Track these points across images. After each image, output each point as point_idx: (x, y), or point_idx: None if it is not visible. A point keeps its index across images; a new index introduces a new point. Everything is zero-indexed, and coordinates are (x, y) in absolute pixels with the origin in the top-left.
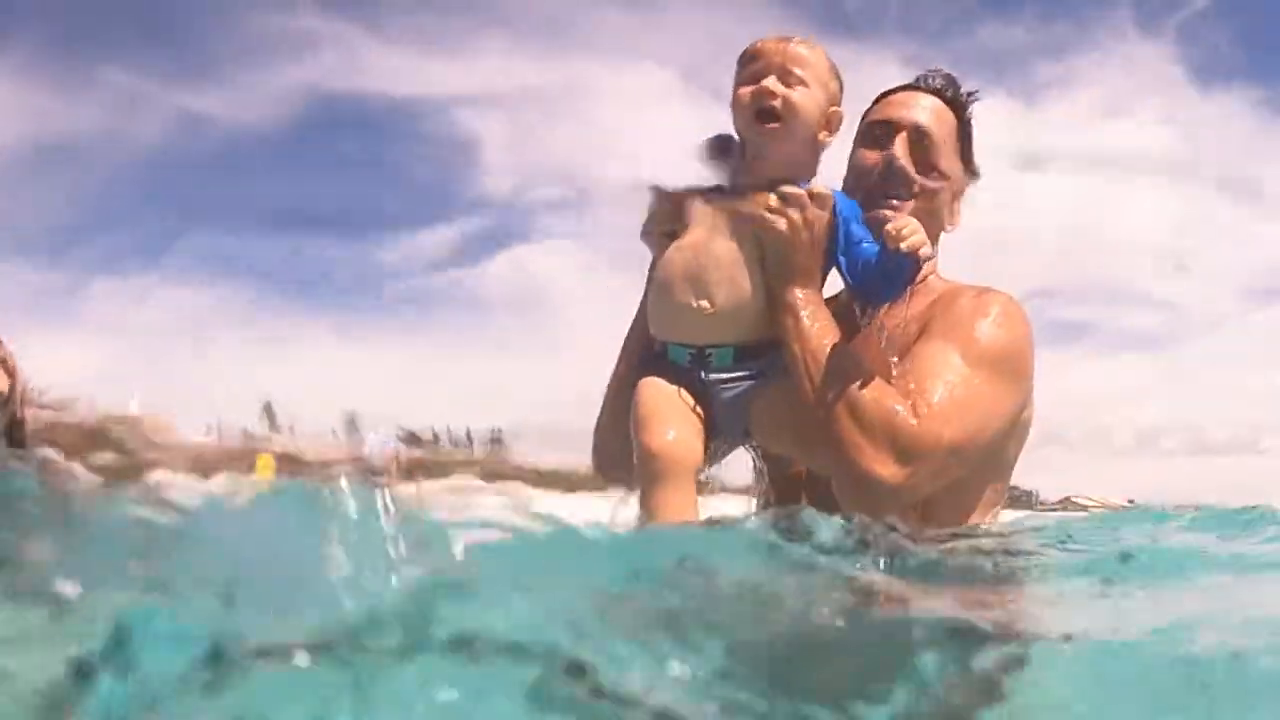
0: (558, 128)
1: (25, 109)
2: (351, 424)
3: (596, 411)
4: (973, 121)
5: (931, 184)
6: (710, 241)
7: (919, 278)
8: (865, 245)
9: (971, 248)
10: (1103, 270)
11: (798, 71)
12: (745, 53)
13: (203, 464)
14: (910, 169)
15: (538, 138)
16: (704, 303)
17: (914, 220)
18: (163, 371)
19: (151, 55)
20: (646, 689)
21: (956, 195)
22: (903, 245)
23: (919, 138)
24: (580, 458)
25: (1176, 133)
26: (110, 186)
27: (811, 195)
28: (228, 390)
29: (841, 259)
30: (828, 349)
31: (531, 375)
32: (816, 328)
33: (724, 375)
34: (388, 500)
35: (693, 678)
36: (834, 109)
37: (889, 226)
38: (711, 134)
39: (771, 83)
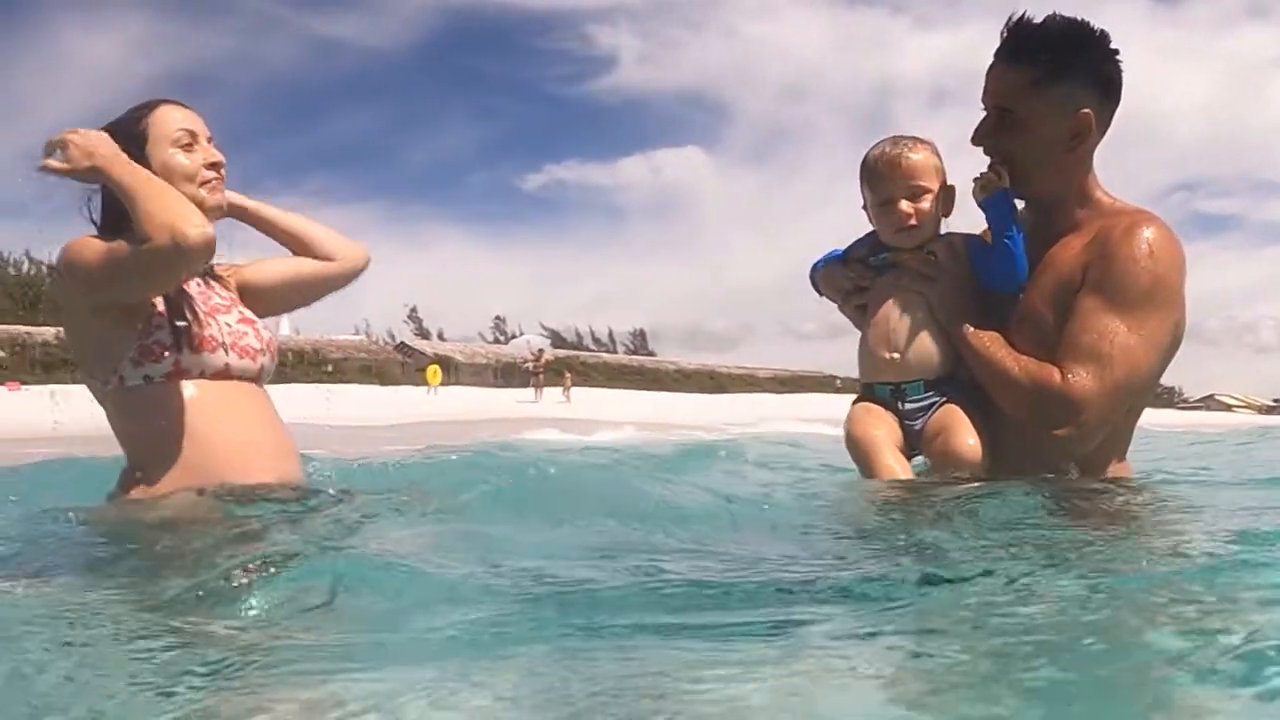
0: (691, 36)
1: (165, 36)
2: (500, 328)
3: (734, 312)
4: (1058, 60)
5: (1016, 146)
6: (891, 314)
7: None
8: (988, 262)
9: (1112, 143)
10: (1248, 163)
11: (920, 183)
12: (869, 169)
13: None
14: (991, 143)
15: (671, 47)
16: (896, 355)
17: (984, 175)
18: None
19: None
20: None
21: (1060, 131)
22: (979, 195)
23: (998, 114)
24: (720, 358)
25: None
26: (248, 108)
27: (950, 244)
28: (374, 298)
29: (987, 280)
30: (994, 355)
31: (669, 278)
32: (981, 344)
33: (915, 403)
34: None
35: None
36: (947, 189)
37: (974, 194)
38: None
39: (905, 206)
